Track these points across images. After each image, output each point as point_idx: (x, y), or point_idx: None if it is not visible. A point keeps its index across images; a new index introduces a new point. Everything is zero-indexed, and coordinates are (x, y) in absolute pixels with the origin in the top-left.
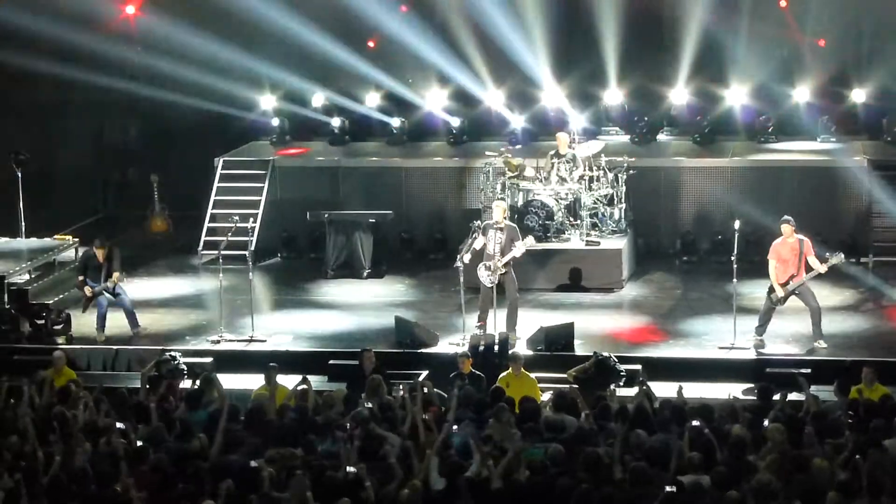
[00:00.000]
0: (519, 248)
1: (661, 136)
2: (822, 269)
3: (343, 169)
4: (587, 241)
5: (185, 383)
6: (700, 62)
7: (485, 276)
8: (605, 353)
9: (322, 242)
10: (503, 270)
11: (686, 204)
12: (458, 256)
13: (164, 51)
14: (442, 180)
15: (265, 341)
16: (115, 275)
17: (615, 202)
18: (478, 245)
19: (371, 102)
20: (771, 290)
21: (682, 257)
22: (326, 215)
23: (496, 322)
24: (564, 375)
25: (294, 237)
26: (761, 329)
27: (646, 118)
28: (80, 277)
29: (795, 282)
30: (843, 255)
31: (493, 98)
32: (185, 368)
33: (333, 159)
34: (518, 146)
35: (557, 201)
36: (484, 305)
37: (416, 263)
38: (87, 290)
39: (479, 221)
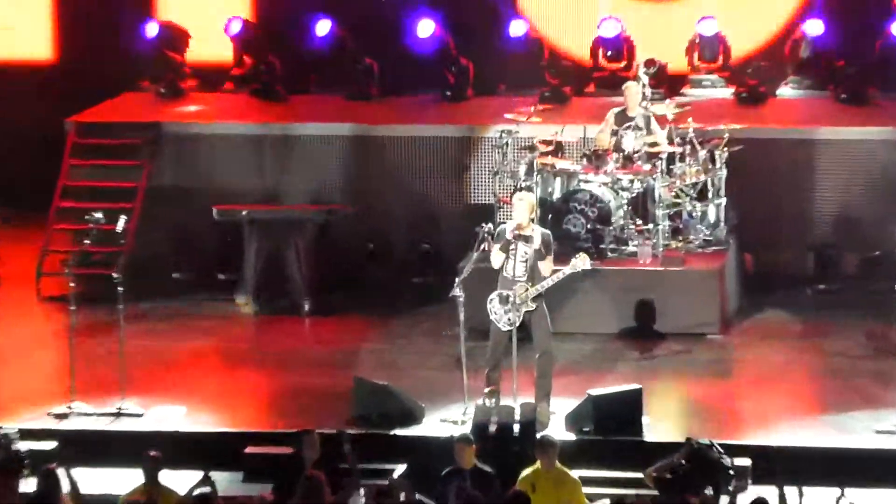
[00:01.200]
0: (558, 272)
1: (785, 90)
2: None
3: (274, 138)
4: (665, 257)
5: (27, 482)
6: None
7: (500, 314)
8: (705, 440)
9: (237, 256)
10: (531, 306)
11: (823, 198)
12: (458, 280)
13: None
14: (433, 158)
15: (142, 415)
16: None
17: (709, 195)
18: (495, 262)
19: (322, 31)
20: None
21: (817, 284)
22: (245, 213)
23: (516, 386)
24: (629, 475)
25: (193, 248)
26: None
27: (760, 62)
28: None
29: None
30: None
31: (517, 26)
32: (28, 456)
33: (259, 123)
34: (556, 104)
35: (618, 193)
36: (496, 359)
37: (390, 290)
38: None
39: (490, 225)
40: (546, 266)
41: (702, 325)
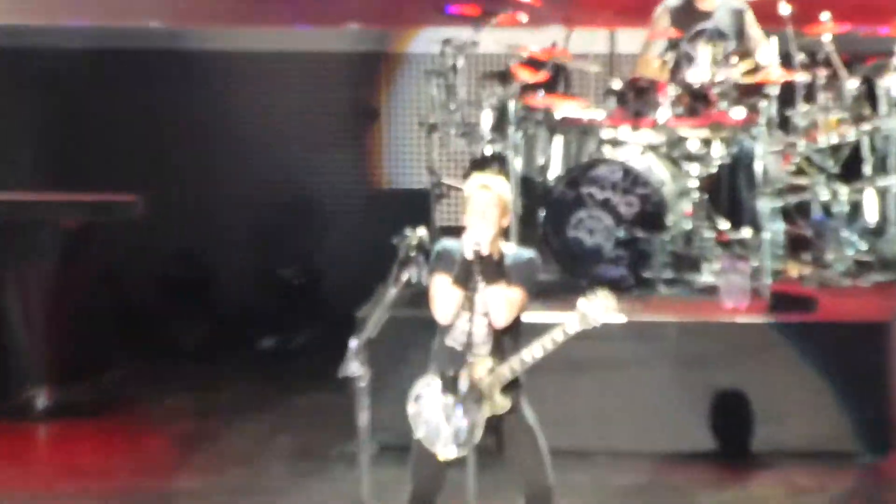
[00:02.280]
0: (555, 329)
1: None
2: None
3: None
4: (776, 297)
5: None
6: None
7: (435, 421)
8: None
9: None
10: (502, 404)
11: None
12: (355, 344)
13: None
14: (310, 95)
15: None
16: None
17: (866, 171)
18: (442, 311)
19: None
20: None
21: None
22: None
23: None
24: None
25: None
26: None
27: None
28: None
29: None
30: None
31: None
32: None
33: None
34: None
35: (679, 167)
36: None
37: (218, 364)
38: None
39: (422, 231)
40: (502, 302)
41: (848, 438)
